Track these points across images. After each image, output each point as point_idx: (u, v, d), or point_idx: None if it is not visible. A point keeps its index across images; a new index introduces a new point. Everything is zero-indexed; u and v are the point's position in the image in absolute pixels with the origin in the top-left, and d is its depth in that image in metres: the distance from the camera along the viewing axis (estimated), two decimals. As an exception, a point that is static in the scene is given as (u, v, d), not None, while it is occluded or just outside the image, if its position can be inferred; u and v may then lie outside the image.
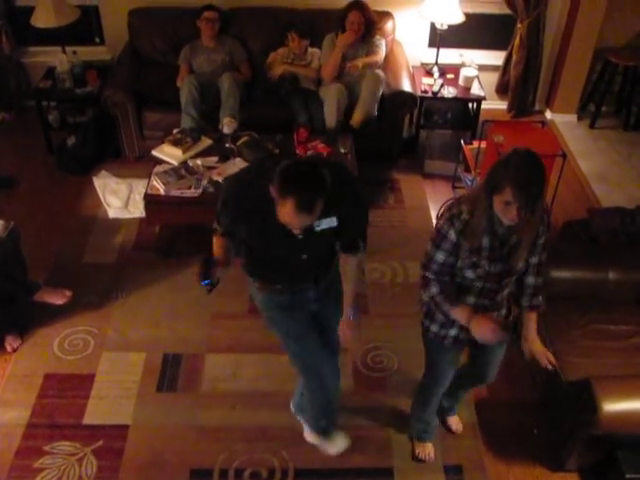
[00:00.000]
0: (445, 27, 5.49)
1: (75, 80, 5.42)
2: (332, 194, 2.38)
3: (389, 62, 5.56)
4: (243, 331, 4.02)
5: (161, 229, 4.80)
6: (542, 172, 2.36)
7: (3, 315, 3.83)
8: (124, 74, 5.38)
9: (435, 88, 5.54)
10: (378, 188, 5.30)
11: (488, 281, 2.63)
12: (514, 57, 5.89)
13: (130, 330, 4.07)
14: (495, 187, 2.38)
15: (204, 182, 4.40)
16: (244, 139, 4.73)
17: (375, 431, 3.57)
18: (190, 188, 4.37)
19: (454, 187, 5.34)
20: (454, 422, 3.57)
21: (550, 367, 2.85)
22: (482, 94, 5.57)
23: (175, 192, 4.35)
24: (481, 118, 5.46)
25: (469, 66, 5.74)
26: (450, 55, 5.94)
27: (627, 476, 3.02)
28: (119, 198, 5.07)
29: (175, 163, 4.56)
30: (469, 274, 2.62)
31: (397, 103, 5.23)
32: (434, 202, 5.18)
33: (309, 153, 4.62)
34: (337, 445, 3.40)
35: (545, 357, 2.84)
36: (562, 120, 6.25)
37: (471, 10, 5.70)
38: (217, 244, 2.84)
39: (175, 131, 4.81)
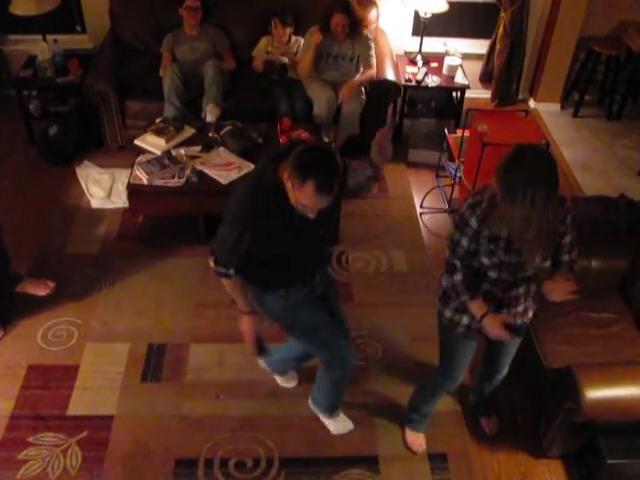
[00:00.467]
0: (429, 15, 5.47)
1: (56, 69, 5.36)
2: None
3: (373, 51, 5.54)
4: (227, 321, 4.00)
5: (144, 219, 4.78)
6: (555, 167, 2.41)
7: (-15, 306, 3.81)
8: (106, 63, 5.33)
9: (419, 77, 5.54)
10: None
11: (503, 271, 2.65)
12: (498, 46, 5.89)
13: (114, 321, 4.05)
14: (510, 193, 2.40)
15: (187, 171, 4.37)
16: (228, 128, 4.71)
17: (359, 420, 3.57)
18: (173, 178, 4.34)
19: (438, 176, 5.34)
20: (485, 423, 3.56)
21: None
22: (466, 83, 5.58)
23: (158, 182, 4.33)
24: (465, 107, 5.46)
25: (453, 55, 5.74)
26: (434, 44, 5.93)
27: (608, 462, 3.05)
28: (102, 188, 5.04)
29: (158, 152, 4.53)
30: (485, 260, 2.64)
31: (381, 92, 5.23)
32: (418, 191, 5.19)
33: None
34: (344, 424, 3.50)
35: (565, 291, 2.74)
36: (545, 109, 6.27)
37: (455, -2, 5.71)
38: (245, 324, 2.92)
39: (158, 120, 4.77)
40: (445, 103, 5.81)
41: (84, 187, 5.06)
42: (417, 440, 3.46)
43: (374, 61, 5.22)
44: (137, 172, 4.39)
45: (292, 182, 2.42)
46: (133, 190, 4.38)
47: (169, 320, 4.07)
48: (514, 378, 3.44)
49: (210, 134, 4.69)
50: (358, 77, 5.15)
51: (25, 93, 5.52)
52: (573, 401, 2.98)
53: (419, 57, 5.76)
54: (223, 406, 3.60)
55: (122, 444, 3.42)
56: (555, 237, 2.66)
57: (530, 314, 2.92)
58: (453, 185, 4.95)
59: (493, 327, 2.71)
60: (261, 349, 3.01)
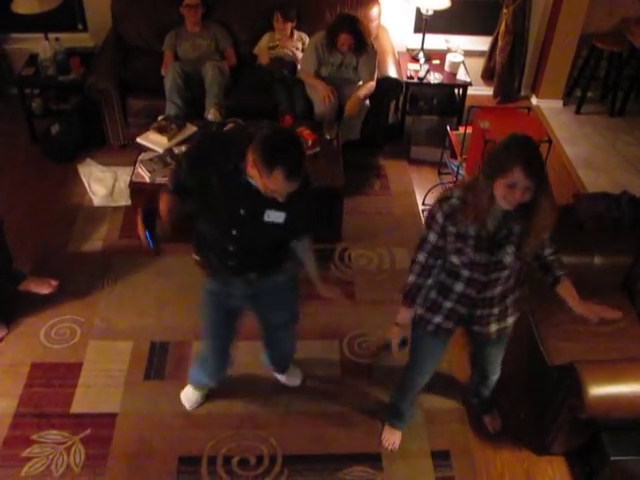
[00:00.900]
0: (431, 12, 5.47)
1: (58, 67, 5.36)
2: None
3: (375, 48, 5.54)
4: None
5: (147, 217, 4.77)
6: (540, 154, 2.40)
7: (-12, 304, 3.82)
8: (108, 61, 5.33)
9: (421, 74, 5.54)
10: (364, 174, 5.30)
11: (474, 271, 2.63)
12: (500, 43, 5.88)
13: (117, 318, 4.06)
14: (500, 170, 2.37)
15: (190, 169, 4.37)
16: (229, 126, 4.71)
17: (362, 417, 3.58)
18: (176, 176, 4.34)
19: (440, 173, 5.34)
20: (488, 421, 3.56)
21: (612, 316, 2.70)
22: (468, 80, 5.57)
23: (160, 180, 4.32)
24: (467, 104, 5.46)
25: (455, 52, 5.73)
26: (436, 41, 5.93)
27: (612, 458, 3.05)
28: (104, 186, 5.04)
29: (160, 150, 4.53)
30: (454, 259, 2.64)
31: (383, 89, 5.21)
32: (420, 188, 5.19)
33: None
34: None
35: (597, 314, 2.69)
36: (548, 106, 6.26)
37: (456, -5, 5.70)
38: (163, 200, 2.85)
39: (160, 118, 4.77)
40: (447, 100, 5.81)
41: (86, 185, 5.06)
42: (391, 437, 3.46)
43: (375, 74, 5.15)
44: (139, 170, 4.39)
45: (259, 170, 2.38)
46: (135, 188, 4.38)
47: (172, 318, 4.07)
48: (517, 375, 3.44)
49: (212, 132, 4.69)
50: (362, 91, 5.04)
51: (27, 91, 5.52)
52: (576, 398, 2.97)
53: (421, 54, 5.75)
54: (226, 403, 3.61)
55: (125, 442, 3.42)
56: (537, 239, 2.59)
57: (510, 321, 2.90)
58: (455, 182, 4.94)
59: (393, 334, 2.86)
60: (149, 227, 2.88)
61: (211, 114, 4.95)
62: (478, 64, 6.18)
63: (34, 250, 4.46)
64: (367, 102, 5.10)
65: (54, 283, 3.89)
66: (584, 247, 3.74)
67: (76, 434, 3.44)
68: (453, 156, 5.02)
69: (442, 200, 2.58)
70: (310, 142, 4.60)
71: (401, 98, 5.64)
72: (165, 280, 4.30)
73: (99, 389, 3.66)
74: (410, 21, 5.99)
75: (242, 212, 2.63)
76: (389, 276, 4.42)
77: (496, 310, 2.81)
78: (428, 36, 5.73)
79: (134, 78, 5.29)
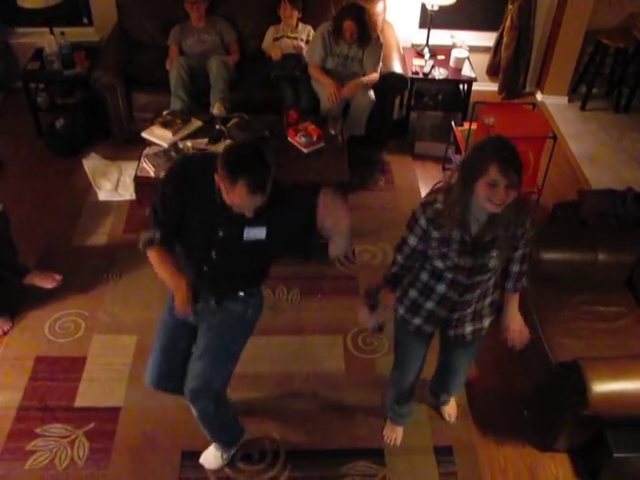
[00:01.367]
0: (436, 8, 5.46)
1: (63, 61, 5.37)
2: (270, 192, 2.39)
3: (380, 43, 5.53)
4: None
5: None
6: (517, 150, 2.36)
7: (-7, 298, 3.83)
8: (113, 55, 5.33)
9: (426, 69, 5.53)
10: (369, 170, 5.30)
11: (458, 274, 2.63)
12: (505, 38, 5.87)
13: (121, 312, 4.07)
14: (477, 171, 2.36)
15: (194, 164, 4.37)
16: (234, 120, 4.71)
17: (365, 412, 3.59)
18: (180, 170, 4.34)
19: (444, 168, 5.34)
20: (445, 410, 3.58)
21: (517, 346, 2.87)
22: (473, 75, 5.56)
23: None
24: (472, 100, 5.45)
25: (460, 47, 5.72)
26: (441, 36, 5.91)
27: (615, 456, 3.05)
28: (109, 180, 5.05)
29: (165, 145, 4.53)
30: (438, 264, 2.63)
31: (388, 84, 5.21)
32: (425, 184, 5.19)
33: (299, 135, 4.60)
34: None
35: (518, 334, 2.86)
36: (553, 102, 6.25)
37: (462, -9, 5.68)
38: (161, 267, 2.71)
39: (165, 112, 4.78)
40: (452, 96, 5.80)
41: (91, 179, 5.07)
42: (392, 434, 3.46)
43: (380, 67, 5.16)
44: (144, 164, 4.39)
45: (223, 183, 2.34)
46: (140, 182, 4.38)
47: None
48: (520, 372, 3.44)
49: (217, 127, 4.68)
50: (364, 78, 5.06)
51: (32, 86, 5.52)
52: (580, 395, 2.97)
53: (426, 50, 5.74)
54: (229, 398, 3.61)
55: (129, 436, 3.43)
56: (513, 239, 2.60)
57: (486, 323, 2.91)
58: (436, 186, 4.93)
59: (360, 312, 2.78)
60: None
61: (216, 109, 4.95)
62: (483, 60, 6.17)
63: (39, 244, 4.48)
64: (372, 97, 5.10)
65: (58, 277, 3.89)
66: (588, 244, 3.74)
67: (80, 428, 3.45)
68: (458, 152, 5.02)
69: (426, 204, 2.57)
70: (315, 137, 4.60)
71: (406, 94, 5.63)
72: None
73: (103, 383, 3.68)
74: (415, 16, 5.98)
75: (221, 233, 2.58)
76: (393, 272, 4.42)
77: (470, 310, 2.81)
78: (433, 31, 5.72)
79: (139, 72, 5.29)
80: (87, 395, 3.61)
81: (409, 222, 2.64)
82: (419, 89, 5.73)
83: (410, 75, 5.45)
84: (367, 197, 5.02)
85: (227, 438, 3.27)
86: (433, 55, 5.73)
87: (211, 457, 3.30)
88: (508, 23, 5.79)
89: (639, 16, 5.88)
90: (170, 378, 2.97)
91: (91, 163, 5.23)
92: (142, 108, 5.23)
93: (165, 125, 4.63)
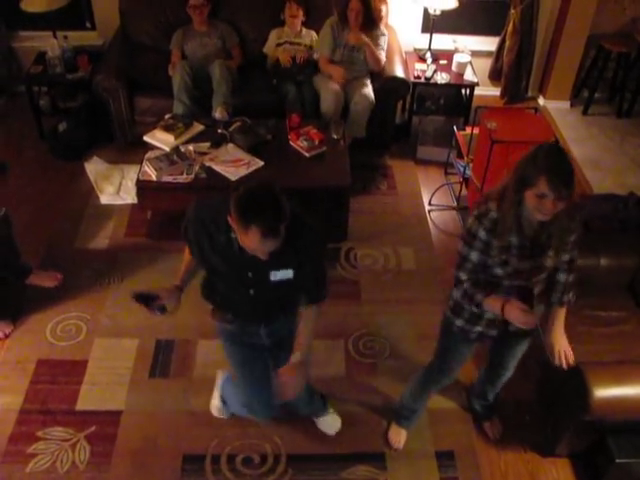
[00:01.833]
0: (438, 12, 5.47)
1: (66, 65, 5.38)
2: (289, 235, 2.33)
3: (382, 48, 5.54)
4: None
5: (153, 215, 4.78)
6: (570, 162, 2.36)
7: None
8: (115, 59, 5.34)
9: (428, 74, 5.53)
10: (370, 174, 5.31)
11: (516, 279, 2.61)
12: (507, 43, 5.88)
13: (122, 316, 4.07)
14: (527, 181, 2.36)
15: (196, 168, 4.38)
16: (236, 124, 4.71)
17: (367, 416, 3.58)
18: (182, 174, 4.35)
19: (446, 173, 5.34)
20: (488, 427, 3.54)
21: (565, 365, 2.79)
22: (475, 80, 5.56)
23: (167, 178, 4.34)
24: (474, 104, 5.45)
25: (462, 52, 5.73)
26: (443, 41, 5.93)
27: (617, 461, 3.04)
28: (111, 184, 5.06)
29: (167, 149, 4.54)
30: (498, 271, 2.60)
31: (390, 89, 5.22)
32: (426, 188, 5.19)
33: (301, 139, 4.61)
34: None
35: (563, 354, 2.79)
36: (555, 106, 6.25)
37: (464, -5, 5.69)
38: (185, 262, 2.85)
39: (167, 116, 4.78)
40: (454, 100, 5.80)
41: (93, 183, 5.08)
42: (397, 437, 3.45)
43: (384, 54, 5.23)
44: (146, 168, 4.40)
45: (237, 227, 2.27)
46: (142, 186, 4.38)
47: (177, 316, 4.04)
48: (522, 377, 3.43)
49: (219, 130, 4.69)
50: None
51: (35, 89, 5.54)
52: (581, 400, 2.97)
53: (428, 54, 5.75)
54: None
55: (130, 439, 3.43)
56: (566, 242, 2.60)
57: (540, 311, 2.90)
58: (462, 182, 4.94)
59: (516, 312, 2.53)
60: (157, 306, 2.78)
61: (218, 113, 4.96)
62: (485, 64, 6.18)
63: (41, 247, 4.48)
64: (372, 98, 5.13)
65: (59, 276, 3.89)
66: (590, 248, 3.73)
67: (81, 431, 3.45)
68: (460, 156, 5.02)
69: (480, 216, 2.52)
70: (317, 141, 4.60)
71: (408, 98, 5.64)
72: (171, 278, 4.27)
73: (104, 386, 3.67)
74: (417, 21, 5.99)
75: (250, 275, 2.57)
76: (395, 276, 4.42)
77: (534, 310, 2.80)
78: (435, 36, 5.73)
79: (141, 76, 5.30)
80: (88, 398, 3.61)
81: (465, 238, 2.58)
82: (421, 93, 5.73)
83: (412, 79, 5.45)
84: (369, 201, 5.02)
85: (316, 405, 3.42)
86: (435, 59, 5.74)
87: None
88: (510, 28, 5.79)
89: (641, 21, 5.89)
90: (274, 399, 2.97)
91: (93, 166, 5.24)
92: (144, 112, 5.24)
93: (167, 129, 4.64)
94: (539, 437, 3.46)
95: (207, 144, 4.60)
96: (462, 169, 4.88)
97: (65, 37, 5.47)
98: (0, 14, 5.65)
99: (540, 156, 2.36)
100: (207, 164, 4.42)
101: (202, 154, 4.52)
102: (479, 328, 2.83)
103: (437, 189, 5.10)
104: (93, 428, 3.47)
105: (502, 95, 6.21)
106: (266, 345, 2.92)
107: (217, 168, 4.40)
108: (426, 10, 5.69)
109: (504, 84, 6.13)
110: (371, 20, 5.08)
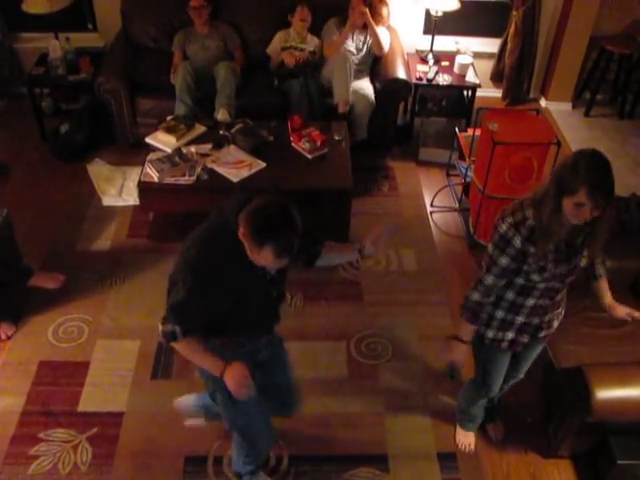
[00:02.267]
0: (440, 14, 5.47)
1: (68, 67, 5.39)
2: (299, 249, 2.30)
3: (384, 49, 5.54)
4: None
5: (155, 216, 4.79)
6: (611, 171, 2.35)
7: (-3, 302, 3.83)
8: (117, 61, 5.35)
9: (430, 75, 5.53)
10: (372, 176, 5.30)
11: (552, 281, 2.62)
12: (509, 45, 5.87)
13: (124, 318, 4.07)
14: (567, 189, 2.35)
15: (198, 169, 4.38)
16: (238, 126, 4.71)
17: (369, 418, 3.58)
18: (184, 175, 4.35)
19: (448, 175, 5.34)
20: (491, 429, 3.54)
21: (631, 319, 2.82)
22: (477, 82, 5.56)
23: (169, 179, 4.34)
24: (476, 106, 5.46)
25: (464, 53, 5.73)
26: (445, 42, 5.93)
27: (619, 462, 3.04)
28: (113, 185, 5.06)
29: (169, 150, 4.54)
30: (535, 277, 2.59)
31: (392, 90, 5.22)
32: (428, 190, 5.18)
33: (303, 140, 4.61)
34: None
35: (630, 315, 2.80)
36: (557, 108, 6.25)
37: (466, -3, 5.70)
38: (200, 354, 2.59)
39: (169, 118, 4.78)
40: (456, 102, 5.80)
41: (95, 184, 5.08)
42: (465, 439, 3.45)
43: (388, 44, 5.32)
44: (148, 170, 4.40)
45: (249, 244, 2.22)
46: (144, 188, 4.39)
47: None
48: (524, 379, 3.42)
49: (221, 132, 4.69)
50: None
51: (37, 91, 5.53)
52: (584, 401, 2.96)
53: (430, 55, 5.75)
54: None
55: (132, 441, 3.43)
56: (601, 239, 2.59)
57: (563, 314, 2.94)
58: (464, 184, 4.94)
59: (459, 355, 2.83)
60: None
61: (220, 114, 4.96)
62: (487, 66, 6.18)
63: (43, 249, 4.48)
64: (372, 99, 5.15)
65: (61, 277, 3.89)
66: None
67: (83, 433, 3.45)
68: (461, 158, 5.02)
69: (517, 224, 2.50)
70: (319, 143, 4.60)
71: (410, 99, 5.63)
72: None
73: (106, 388, 3.67)
74: (419, 22, 5.99)
75: (275, 293, 2.57)
76: (397, 277, 4.42)
77: (561, 309, 2.85)
78: (437, 37, 5.73)
79: (143, 78, 5.30)
80: (90, 400, 3.61)
81: (498, 243, 2.56)
82: (423, 95, 5.73)
83: (414, 81, 5.45)
84: (371, 203, 5.02)
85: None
86: (437, 61, 5.74)
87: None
88: (512, 29, 5.79)
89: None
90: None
91: (95, 168, 5.24)
92: (146, 113, 5.24)
93: (169, 130, 4.64)
94: (541, 439, 3.46)
95: (209, 145, 4.61)
96: (464, 171, 4.88)
97: (67, 38, 5.49)
98: (2, 15, 5.65)
99: (582, 164, 2.33)
100: (209, 165, 4.43)
101: (204, 155, 4.52)
102: (511, 335, 2.83)
103: (439, 191, 5.10)
104: (95, 429, 3.47)
105: (504, 97, 6.21)
106: (263, 357, 2.82)
107: (219, 170, 4.41)
108: (428, 11, 5.69)
109: (506, 86, 6.13)
110: (375, 12, 5.16)
